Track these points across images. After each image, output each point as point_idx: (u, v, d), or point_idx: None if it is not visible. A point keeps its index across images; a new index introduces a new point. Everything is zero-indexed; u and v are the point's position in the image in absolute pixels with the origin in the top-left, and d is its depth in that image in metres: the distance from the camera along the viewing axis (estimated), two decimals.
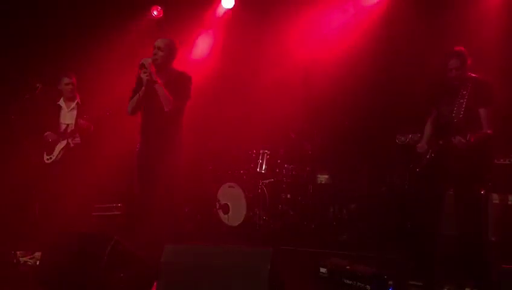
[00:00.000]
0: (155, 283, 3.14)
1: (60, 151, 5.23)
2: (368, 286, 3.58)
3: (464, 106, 3.81)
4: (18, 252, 4.38)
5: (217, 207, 6.32)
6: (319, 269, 3.95)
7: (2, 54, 6.13)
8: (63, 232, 3.82)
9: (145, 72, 4.13)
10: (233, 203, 6.19)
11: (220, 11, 7.00)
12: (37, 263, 4.09)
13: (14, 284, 3.89)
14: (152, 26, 6.92)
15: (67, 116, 5.33)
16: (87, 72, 5.85)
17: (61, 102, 5.37)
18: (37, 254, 4.36)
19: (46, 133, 5.28)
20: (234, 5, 6.84)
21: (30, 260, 4.41)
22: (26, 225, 5.50)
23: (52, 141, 5.25)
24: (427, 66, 5.79)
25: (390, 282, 3.63)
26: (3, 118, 5.26)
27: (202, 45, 7.20)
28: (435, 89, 4.21)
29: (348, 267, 3.78)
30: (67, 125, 5.28)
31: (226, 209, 6.24)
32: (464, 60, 3.89)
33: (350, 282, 3.70)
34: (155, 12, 6.94)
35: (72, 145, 5.23)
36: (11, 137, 5.51)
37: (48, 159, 5.26)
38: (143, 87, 4.17)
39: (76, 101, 5.36)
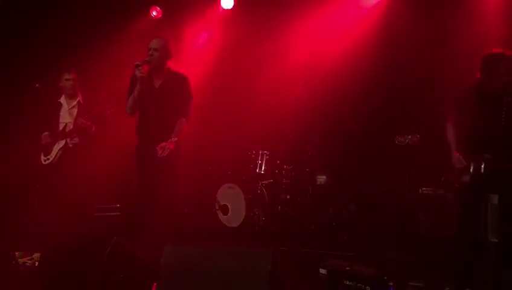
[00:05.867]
0: (155, 284, 3.14)
1: (57, 152, 5.05)
2: (367, 287, 3.57)
3: None
4: (17, 253, 4.35)
5: (217, 208, 6.31)
6: (319, 270, 3.95)
7: (1, 53, 6.11)
8: (63, 232, 3.80)
9: (140, 71, 4.12)
10: (232, 204, 6.19)
11: (219, 12, 7.00)
12: (36, 264, 4.09)
13: (13, 285, 3.87)
14: (151, 26, 6.92)
15: (67, 114, 5.15)
16: (88, 71, 5.82)
17: (62, 100, 5.19)
18: (36, 255, 4.34)
19: (43, 135, 5.09)
20: (233, 6, 6.84)
21: (29, 261, 4.39)
22: (25, 225, 5.48)
23: (48, 142, 5.07)
24: (428, 68, 5.81)
25: (391, 283, 3.63)
26: (2, 118, 5.23)
27: (201, 45, 7.20)
28: (465, 95, 3.80)
29: (347, 268, 3.78)
30: (66, 124, 5.10)
31: (225, 210, 6.23)
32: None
33: (350, 283, 3.69)
34: (154, 13, 6.94)
35: (70, 145, 5.05)
36: (10, 137, 5.48)
37: (45, 161, 5.08)
38: (138, 85, 4.16)
39: (77, 100, 5.19)
